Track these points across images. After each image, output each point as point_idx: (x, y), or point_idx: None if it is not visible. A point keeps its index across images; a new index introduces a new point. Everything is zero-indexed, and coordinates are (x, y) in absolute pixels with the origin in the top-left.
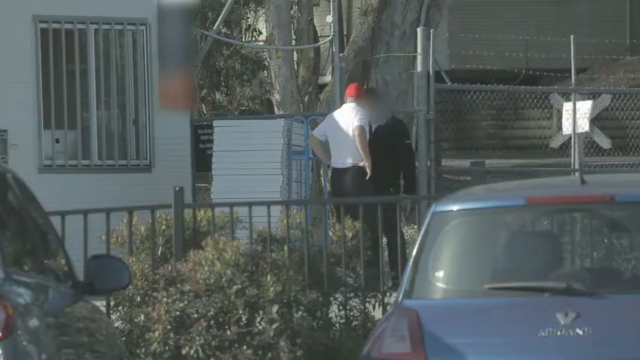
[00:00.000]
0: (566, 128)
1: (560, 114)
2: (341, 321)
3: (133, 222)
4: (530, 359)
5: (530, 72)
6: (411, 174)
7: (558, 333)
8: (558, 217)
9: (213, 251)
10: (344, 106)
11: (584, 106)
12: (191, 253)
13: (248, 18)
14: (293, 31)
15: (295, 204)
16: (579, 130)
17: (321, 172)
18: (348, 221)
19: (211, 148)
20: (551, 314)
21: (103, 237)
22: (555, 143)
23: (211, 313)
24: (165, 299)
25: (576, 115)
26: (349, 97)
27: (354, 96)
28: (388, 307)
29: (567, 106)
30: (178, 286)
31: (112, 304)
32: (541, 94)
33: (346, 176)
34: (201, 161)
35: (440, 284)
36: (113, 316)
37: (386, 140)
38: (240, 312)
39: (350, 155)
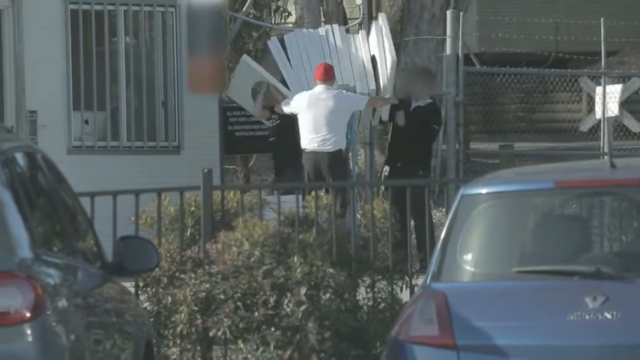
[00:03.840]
0: (598, 113)
1: (589, 97)
2: (368, 303)
3: (164, 203)
4: (558, 342)
5: (560, 55)
6: (425, 157)
7: (587, 317)
8: (587, 201)
9: (243, 231)
10: (320, 88)
11: (614, 90)
12: (221, 234)
13: None
14: (322, 13)
15: (321, 187)
16: (609, 113)
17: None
18: (377, 203)
19: (240, 130)
20: (580, 298)
21: (132, 218)
22: (584, 127)
23: (239, 294)
24: (192, 280)
25: (606, 99)
26: (321, 80)
27: (324, 80)
28: (416, 290)
29: (599, 91)
30: (206, 267)
31: (140, 285)
32: (570, 77)
33: (329, 160)
34: (230, 143)
35: (468, 267)
36: (142, 297)
37: (418, 123)
38: (268, 294)
39: (334, 140)
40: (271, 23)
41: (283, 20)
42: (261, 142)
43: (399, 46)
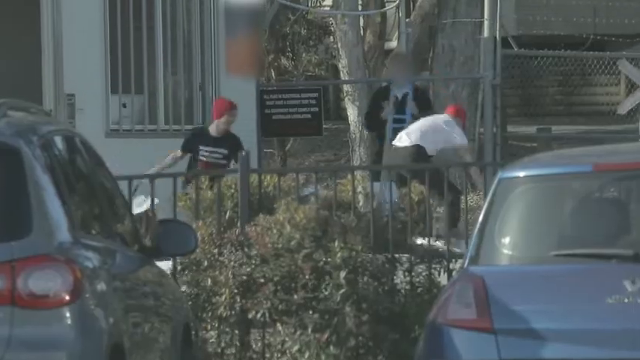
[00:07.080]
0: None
1: (628, 80)
2: (406, 287)
3: (203, 187)
4: (596, 326)
5: (598, 37)
6: None
7: (625, 300)
8: (626, 184)
9: (285, 214)
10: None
11: None
12: (260, 216)
13: None
14: None
15: (359, 169)
16: None
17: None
18: (415, 187)
19: (277, 113)
20: (618, 281)
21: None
22: (623, 109)
23: (278, 277)
24: (232, 263)
25: None
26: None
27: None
28: (454, 273)
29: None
30: (245, 250)
31: (178, 268)
32: (609, 59)
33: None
34: (267, 126)
35: (506, 251)
36: (180, 280)
37: (410, 108)
38: (307, 277)
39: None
40: (308, 6)
41: (319, 3)
42: (298, 125)
43: (436, 29)
